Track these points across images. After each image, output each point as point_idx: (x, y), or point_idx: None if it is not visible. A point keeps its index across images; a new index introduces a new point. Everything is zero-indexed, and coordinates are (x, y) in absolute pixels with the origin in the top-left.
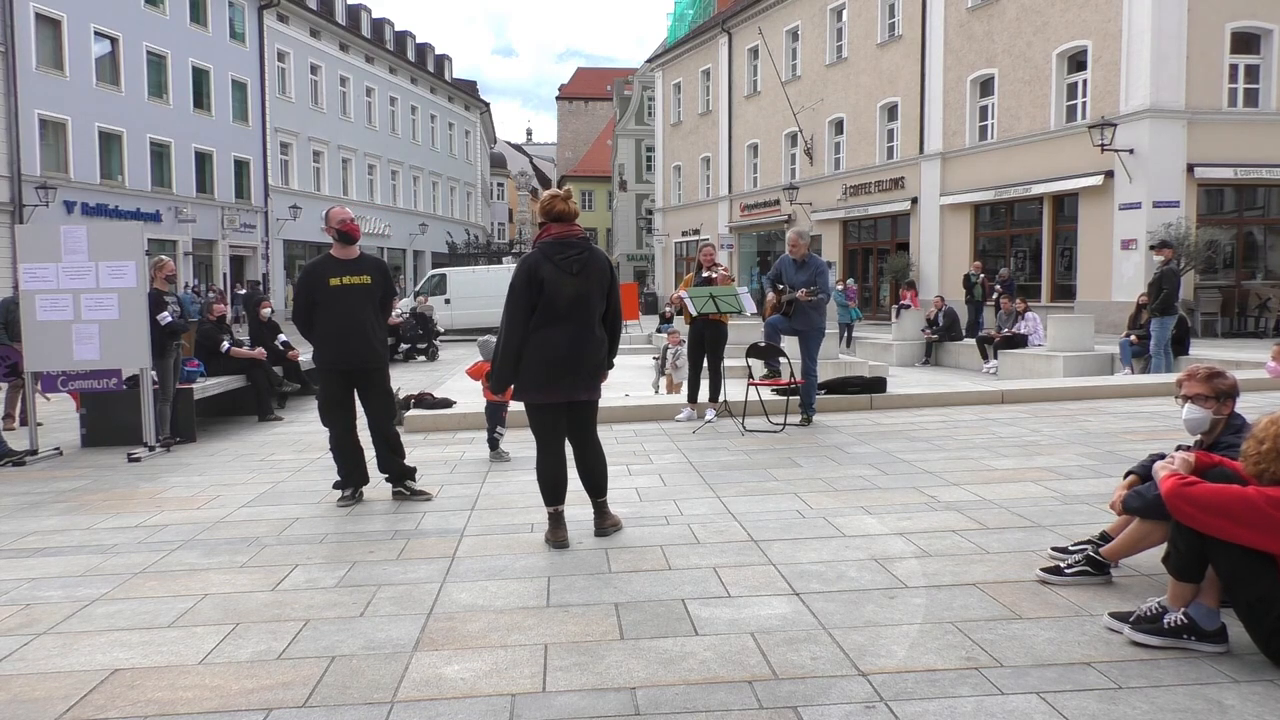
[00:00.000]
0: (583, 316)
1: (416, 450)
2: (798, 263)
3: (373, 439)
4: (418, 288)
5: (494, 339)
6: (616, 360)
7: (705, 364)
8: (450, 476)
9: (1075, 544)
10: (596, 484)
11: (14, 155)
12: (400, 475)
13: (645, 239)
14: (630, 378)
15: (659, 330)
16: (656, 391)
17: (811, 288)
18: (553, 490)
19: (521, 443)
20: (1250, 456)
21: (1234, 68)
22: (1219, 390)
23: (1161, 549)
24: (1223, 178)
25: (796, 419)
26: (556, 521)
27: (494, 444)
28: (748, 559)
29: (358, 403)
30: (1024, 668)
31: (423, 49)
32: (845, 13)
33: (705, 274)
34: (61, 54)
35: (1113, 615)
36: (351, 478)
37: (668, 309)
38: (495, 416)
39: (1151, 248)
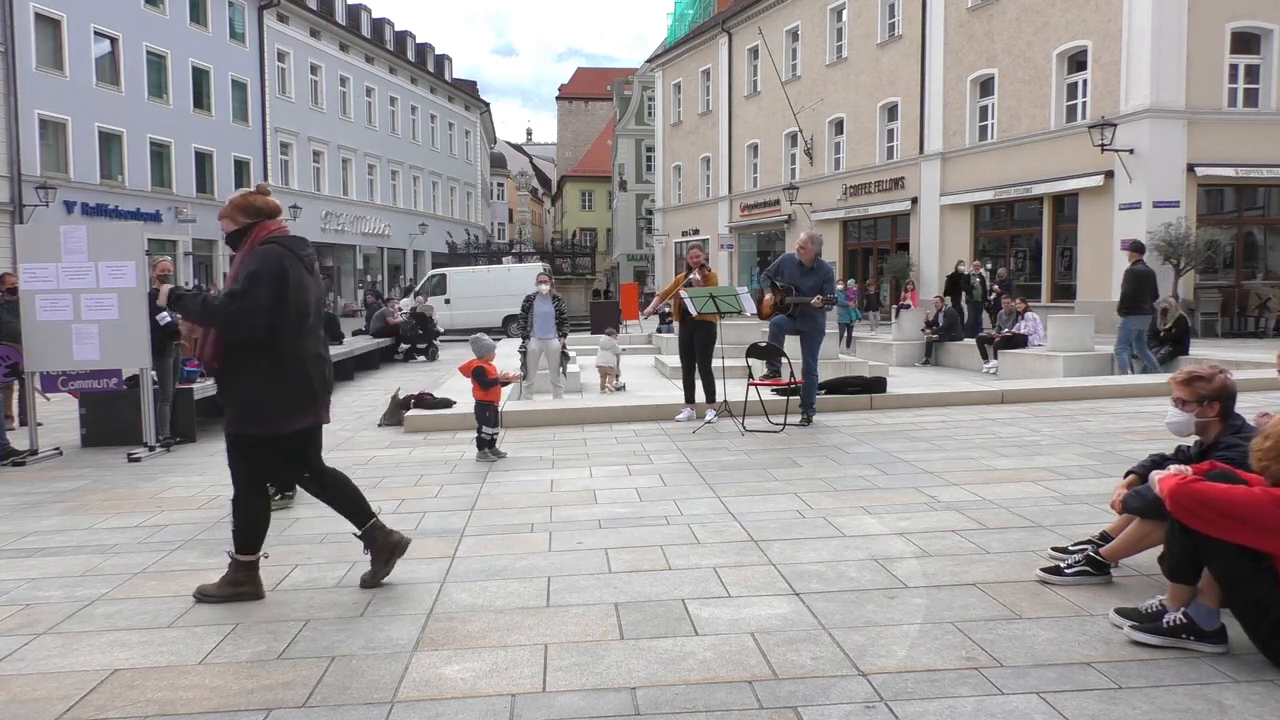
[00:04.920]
0: (319, 325)
1: (417, 450)
2: (804, 266)
3: None
4: (418, 288)
5: (486, 337)
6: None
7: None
8: (450, 476)
9: (1075, 544)
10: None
11: (14, 155)
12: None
13: (645, 239)
14: (630, 378)
15: (659, 330)
16: (520, 396)
17: (825, 295)
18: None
19: (521, 443)
20: (1257, 453)
21: (1234, 68)
22: (1199, 394)
23: (1161, 549)
24: (1223, 177)
25: (796, 419)
26: (254, 570)
27: (481, 444)
28: (748, 559)
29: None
30: (1024, 668)
31: (423, 49)
32: (845, 13)
33: (693, 275)
34: (61, 54)
35: (1118, 612)
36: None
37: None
38: (483, 416)
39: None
